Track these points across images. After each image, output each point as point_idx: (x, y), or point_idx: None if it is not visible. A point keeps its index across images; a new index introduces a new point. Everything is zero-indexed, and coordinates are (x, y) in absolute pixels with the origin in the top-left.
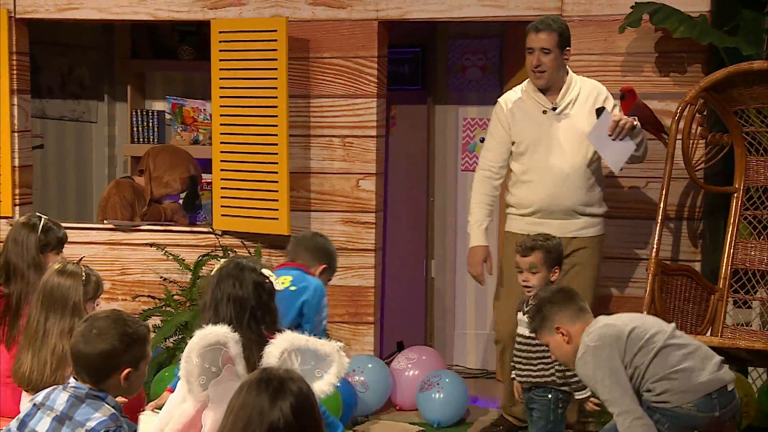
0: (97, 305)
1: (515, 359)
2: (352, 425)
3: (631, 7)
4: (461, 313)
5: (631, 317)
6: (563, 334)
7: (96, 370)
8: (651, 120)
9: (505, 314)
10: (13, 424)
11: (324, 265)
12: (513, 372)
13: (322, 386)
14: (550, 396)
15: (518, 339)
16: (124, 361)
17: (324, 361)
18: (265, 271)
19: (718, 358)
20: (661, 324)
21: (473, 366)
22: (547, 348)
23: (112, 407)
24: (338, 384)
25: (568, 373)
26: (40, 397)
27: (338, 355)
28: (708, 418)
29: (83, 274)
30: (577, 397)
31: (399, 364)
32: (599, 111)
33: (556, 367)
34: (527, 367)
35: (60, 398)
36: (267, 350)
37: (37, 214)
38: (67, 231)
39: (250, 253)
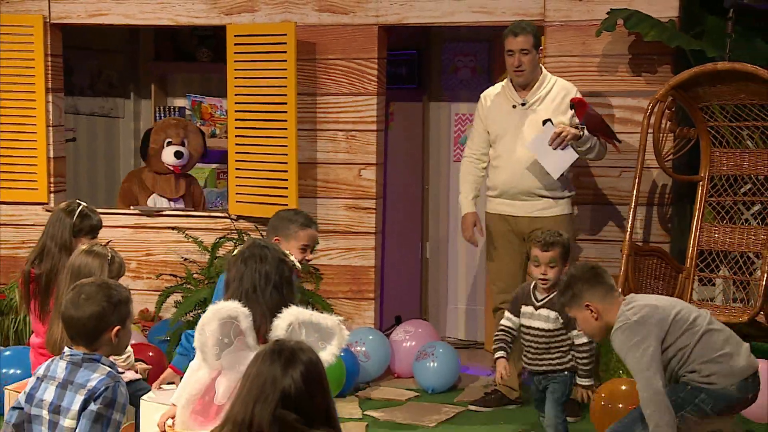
0: None
1: (529, 350)
2: (354, 391)
3: (607, 13)
4: (453, 289)
5: (670, 300)
6: (592, 311)
7: (88, 331)
8: (601, 127)
9: (501, 283)
10: (21, 397)
11: (276, 238)
12: (524, 362)
13: (325, 356)
14: (567, 372)
15: (531, 332)
16: (113, 320)
17: (327, 334)
18: (286, 251)
19: (747, 344)
20: (697, 308)
21: (464, 337)
22: (563, 336)
23: (108, 366)
24: (340, 354)
25: (578, 358)
26: (41, 370)
27: (339, 328)
28: (744, 399)
29: (109, 255)
30: (579, 383)
31: (397, 336)
32: (544, 122)
33: (573, 354)
34: (545, 356)
35: (59, 367)
36: (275, 323)
37: (77, 201)
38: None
39: (262, 235)
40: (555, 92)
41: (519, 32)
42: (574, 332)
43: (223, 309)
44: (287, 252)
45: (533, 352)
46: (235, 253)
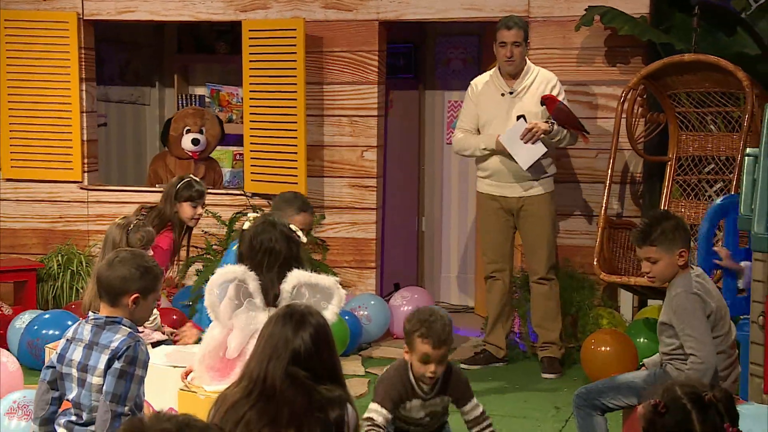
0: None
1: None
2: (357, 351)
3: (585, 10)
4: (446, 259)
5: (725, 304)
6: (682, 258)
7: (112, 290)
8: (570, 120)
9: (492, 254)
10: (54, 357)
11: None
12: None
13: (328, 316)
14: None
15: (424, 419)
16: (135, 287)
17: (327, 294)
18: (293, 227)
19: (739, 370)
20: (731, 323)
21: (456, 302)
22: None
23: (129, 327)
24: (340, 313)
25: (483, 427)
26: (69, 333)
27: (336, 287)
28: None
29: (131, 225)
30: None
31: (396, 301)
32: (518, 117)
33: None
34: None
35: (85, 330)
36: (281, 287)
37: (189, 174)
38: (126, 193)
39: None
40: (538, 82)
41: (512, 26)
42: (468, 406)
43: (230, 272)
44: (295, 228)
45: (424, 429)
46: (247, 227)
